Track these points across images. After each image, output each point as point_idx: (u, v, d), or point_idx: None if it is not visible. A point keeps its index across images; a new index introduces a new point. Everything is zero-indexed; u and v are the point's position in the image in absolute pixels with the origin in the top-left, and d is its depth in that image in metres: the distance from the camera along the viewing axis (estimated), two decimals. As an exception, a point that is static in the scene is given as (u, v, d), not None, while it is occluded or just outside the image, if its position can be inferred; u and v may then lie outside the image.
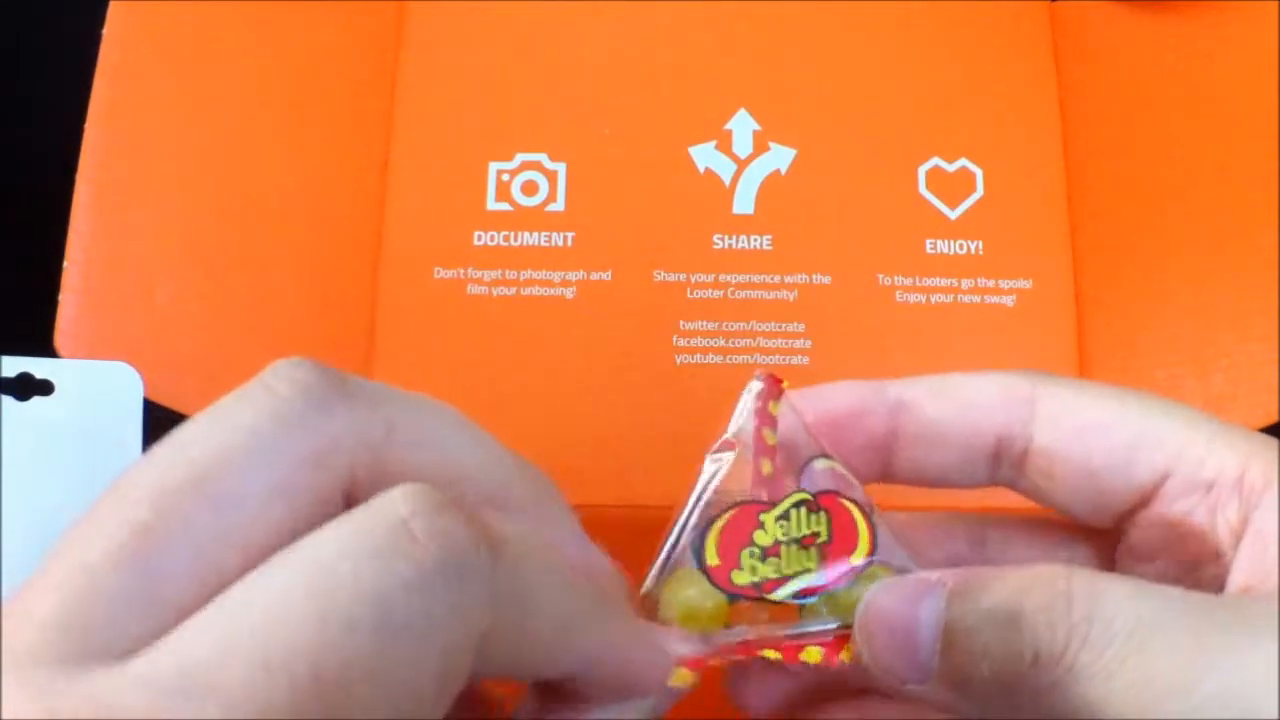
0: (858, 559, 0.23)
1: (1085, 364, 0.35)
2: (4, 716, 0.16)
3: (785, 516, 0.23)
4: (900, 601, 0.22)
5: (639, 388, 0.35)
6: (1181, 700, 0.19)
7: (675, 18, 0.38)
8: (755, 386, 0.25)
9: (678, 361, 0.35)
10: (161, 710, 0.16)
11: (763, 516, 0.23)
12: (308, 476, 0.19)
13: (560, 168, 0.37)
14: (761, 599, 0.23)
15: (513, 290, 0.36)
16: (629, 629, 0.22)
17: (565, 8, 0.39)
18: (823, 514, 0.23)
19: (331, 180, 0.37)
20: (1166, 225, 0.36)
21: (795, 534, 0.23)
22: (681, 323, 0.36)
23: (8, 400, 0.31)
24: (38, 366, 0.32)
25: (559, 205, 0.37)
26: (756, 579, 0.23)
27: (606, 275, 0.36)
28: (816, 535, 0.23)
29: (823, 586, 0.23)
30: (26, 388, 0.31)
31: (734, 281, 0.36)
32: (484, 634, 0.19)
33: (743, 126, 0.37)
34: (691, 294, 0.36)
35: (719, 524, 0.23)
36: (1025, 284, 0.36)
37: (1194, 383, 0.34)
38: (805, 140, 0.37)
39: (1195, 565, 0.23)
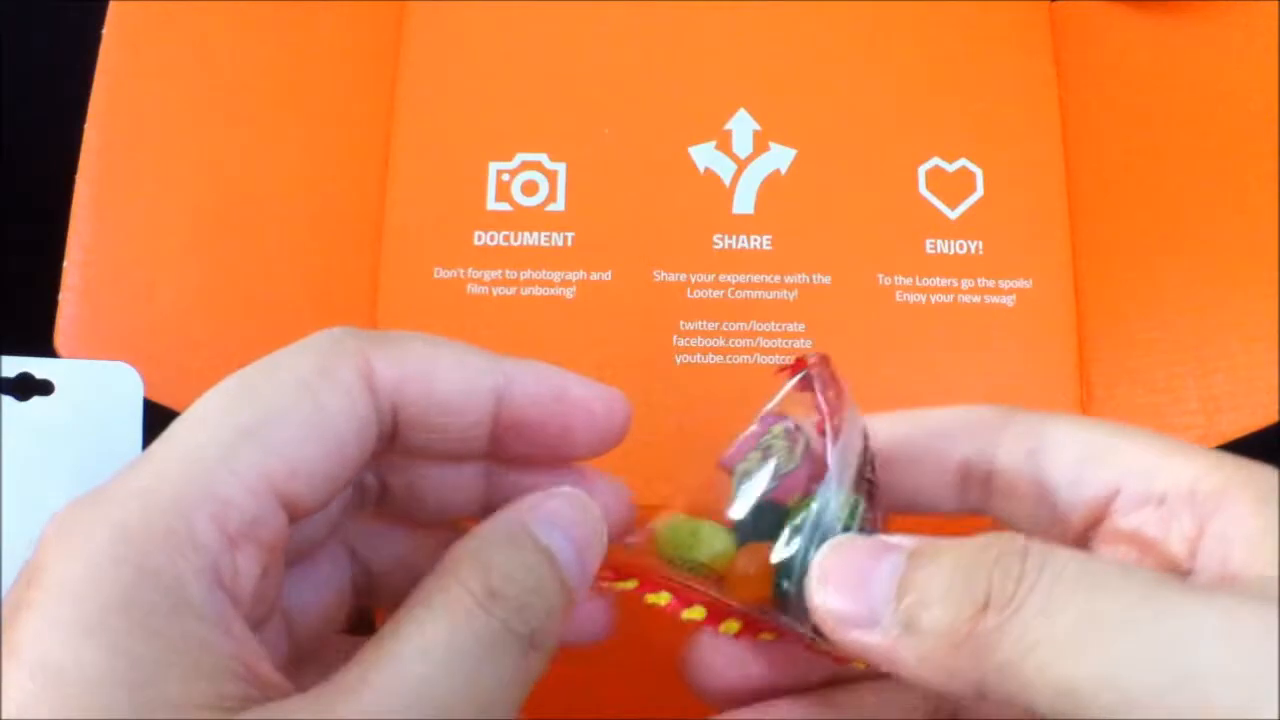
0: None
1: (1085, 364, 0.35)
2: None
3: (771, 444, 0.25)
4: (862, 552, 0.22)
5: (639, 388, 0.35)
6: (1131, 634, 0.19)
7: (675, 18, 0.38)
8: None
9: (678, 361, 0.35)
10: None
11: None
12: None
13: (560, 168, 0.37)
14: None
15: (513, 290, 0.36)
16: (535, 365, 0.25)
17: (565, 8, 0.39)
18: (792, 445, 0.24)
19: (332, 180, 0.37)
20: (1166, 225, 0.36)
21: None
22: (681, 323, 0.36)
23: (8, 400, 0.31)
24: (38, 366, 0.32)
25: (559, 205, 0.37)
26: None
27: (606, 275, 0.36)
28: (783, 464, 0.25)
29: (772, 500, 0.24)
30: (26, 388, 0.31)
31: (734, 281, 0.36)
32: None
33: (743, 126, 0.37)
34: (691, 294, 0.36)
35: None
36: (1025, 284, 0.36)
37: (1194, 383, 0.34)
38: (805, 140, 0.37)
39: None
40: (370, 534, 0.26)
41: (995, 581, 0.20)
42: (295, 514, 0.22)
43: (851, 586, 0.22)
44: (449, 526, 0.26)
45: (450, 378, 0.24)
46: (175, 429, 0.22)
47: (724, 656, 0.25)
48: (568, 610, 0.22)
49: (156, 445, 0.21)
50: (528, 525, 0.23)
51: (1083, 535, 0.24)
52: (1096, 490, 0.24)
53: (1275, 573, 0.20)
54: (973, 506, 0.26)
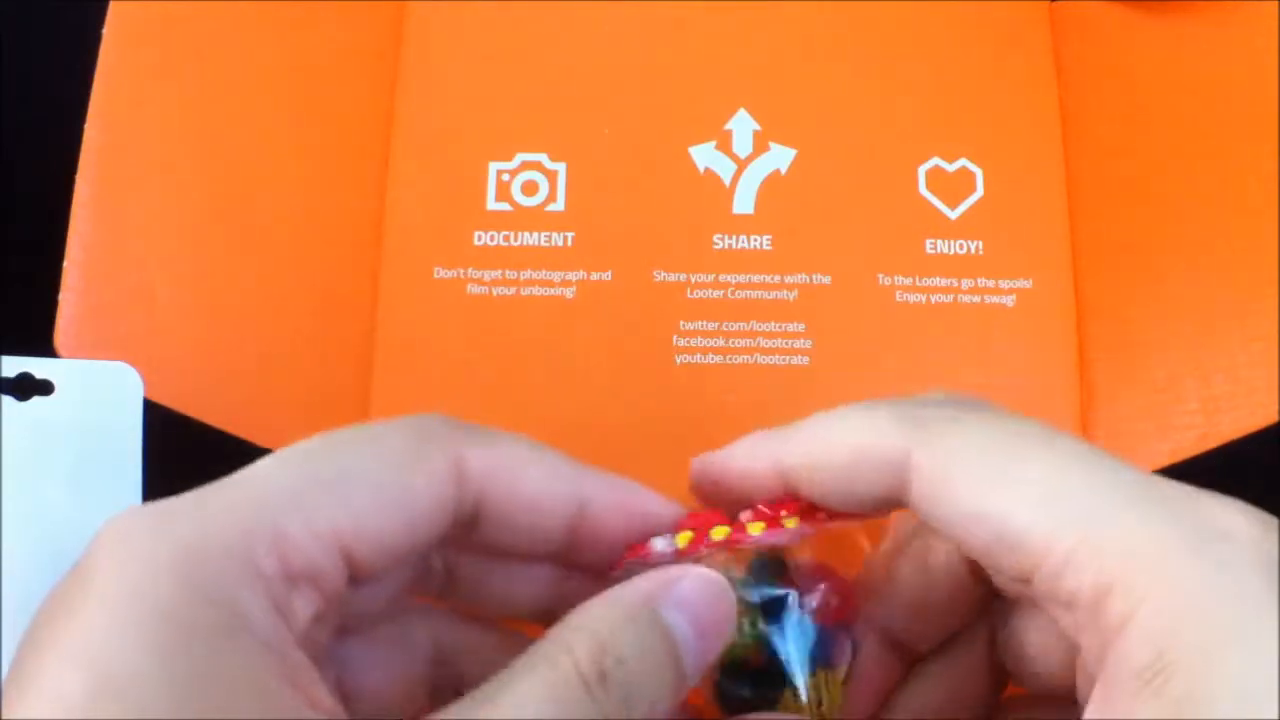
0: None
1: (1085, 364, 0.35)
2: None
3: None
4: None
5: (639, 388, 0.35)
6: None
7: (675, 18, 0.38)
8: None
9: (678, 361, 0.35)
10: None
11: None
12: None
13: (560, 168, 0.37)
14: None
15: (513, 290, 0.36)
16: (608, 476, 0.25)
17: (565, 8, 0.39)
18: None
19: (331, 180, 0.37)
20: (1166, 225, 0.36)
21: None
22: (681, 323, 0.36)
23: (8, 400, 0.31)
24: (38, 366, 0.32)
25: (559, 205, 0.37)
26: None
27: (606, 275, 0.36)
28: None
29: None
30: (26, 388, 0.31)
31: (734, 281, 0.36)
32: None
33: (743, 126, 0.37)
34: (691, 294, 0.36)
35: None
36: (1025, 284, 0.36)
37: (1194, 383, 0.34)
38: (805, 140, 0.37)
39: (1070, 674, 0.23)
40: (455, 631, 0.26)
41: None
42: (356, 575, 0.22)
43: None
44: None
45: (537, 479, 0.24)
46: (252, 466, 0.22)
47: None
48: (677, 698, 0.22)
49: (230, 477, 0.21)
50: (656, 606, 0.22)
51: (1011, 601, 0.24)
52: (1013, 573, 0.21)
53: None
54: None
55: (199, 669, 0.18)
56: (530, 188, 0.37)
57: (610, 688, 0.20)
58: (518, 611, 0.26)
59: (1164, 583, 0.19)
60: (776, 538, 0.24)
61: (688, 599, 0.22)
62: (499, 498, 0.24)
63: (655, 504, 0.25)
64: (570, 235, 0.36)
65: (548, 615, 0.23)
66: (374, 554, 0.22)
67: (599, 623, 0.21)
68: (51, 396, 0.32)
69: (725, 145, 0.37)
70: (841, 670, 0.25)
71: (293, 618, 0.21)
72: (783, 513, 0.24)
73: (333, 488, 0.21)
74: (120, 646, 0.18)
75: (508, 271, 0.36)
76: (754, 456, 0.25)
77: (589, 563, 0.25)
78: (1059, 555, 0.20)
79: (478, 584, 0.26)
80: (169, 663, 0.18)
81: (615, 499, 0.25)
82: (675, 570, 0.22)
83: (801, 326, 0.35)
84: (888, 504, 0.23)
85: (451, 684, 0.26)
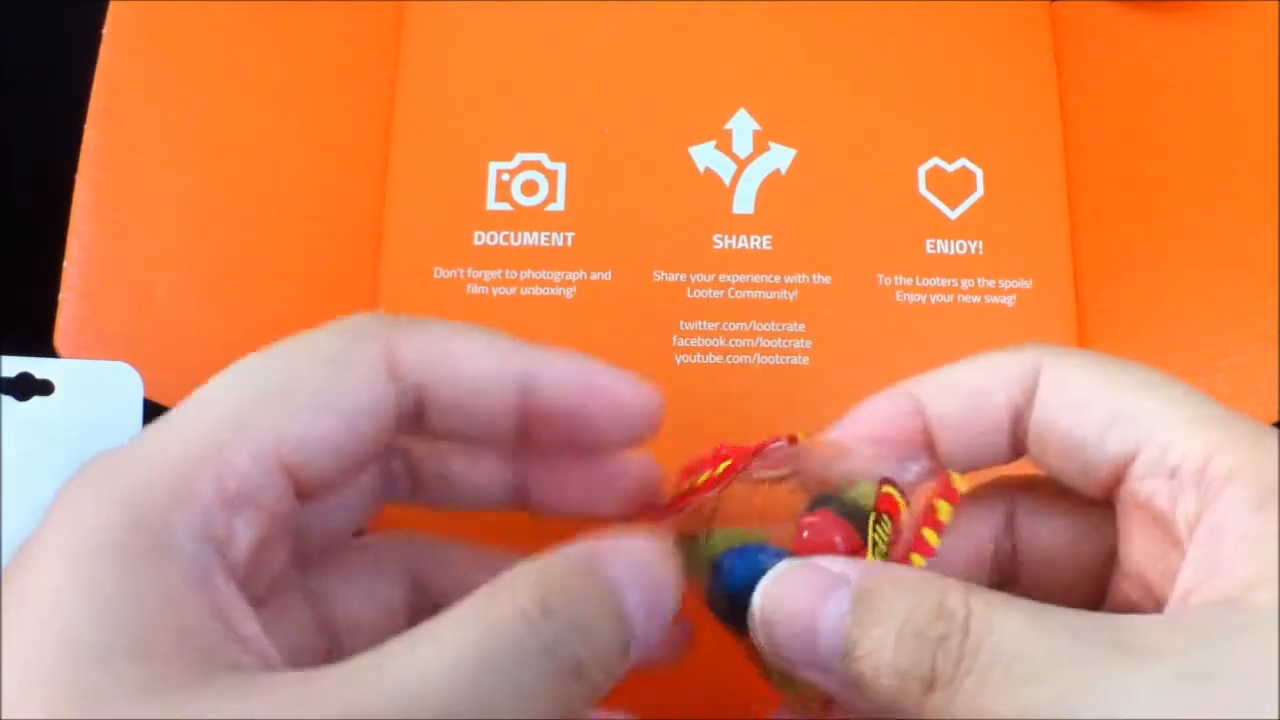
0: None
1: (1085, 364, 0.35)
2: None
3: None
4: (804, 592, 0.22)
5: (639, 388, 0.35)
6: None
7: (675, 18, 0.38)
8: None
9: (678, 361, 0.35)
10: None
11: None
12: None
13: (560, 168, 0.37)
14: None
15: (513, 290, 0.36)
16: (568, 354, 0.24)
17: (565, 8, 0.39)
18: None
19: (331, 180, 0.37)
20: (1166, 225, 0.36)
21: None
22: (681, 323, 0.36)
23: (8, 400, 0.31)
24: (38, 366, 0.32)
25: (559, 205, 0.37)
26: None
27: (606, 275, 0.36)
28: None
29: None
30: (26, 388, 0.31)
31: (734, 281, 0.36)
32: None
33: (743, 126, 0.37)
34: (691, 294, 0.36)
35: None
36: (1025, 284, 0.36)
37: (1194, 383, 0.34)
38: (805, 140, 0.37)
39: (1164, 551, 0.23)
40: (432, 554, 0.26)
41: (939, 663, 0.20)
42: (304, 488, 0.22)
43: (800, 635, 0.22)
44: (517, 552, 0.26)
45: (475, 361, 0.24)
46: (195, 394, 0.22)
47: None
48: (622, 659, 0.21)
49: (176, 408, 0.22)
50: (593, 557, 0.21)
51: (1108, 489, 0.24)
52: (1117, 452, 0.23)
53: (1250, 592, 0.20)
54: (1024, 453, 0.26)
55: (119, 590, 0.19)
56: (530, 188, 0.37)
57: (554, 620, 0.20)
58: (489, 503, 0.26)
59: (1262, 453, 0.22)
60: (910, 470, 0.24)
61: (630, 559, 0.22)
62: (439, 384, 0.23)
63: (604, 375, 0.25)
64: (570, 235, 0.36)
65: (521, 504, 0.24)
66: (317, 462, 0.22)
67: (542, 572, 0.21)
68: (51, 396, 0.32)
69: (725, 145, 0.37)
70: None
71: (233, 543, 0.21)
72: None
73: (267, 402, 0.21)
74: (52, 576, 0.19)
75: (508, 271, 0.36)
76: (892, 395, 0.25)
77: (549, 444, 0.25)
78: (1172, 429, 0.22)
79: (442, 480, 0.26)
80: (90, 585, 0.19)
81: (563, 372, 0.24)
82: (617, 533, 0.23)
83: (801, 326, 0.35)
84: (1013, 425, 0.25)
85: (430, 611, 0.25)
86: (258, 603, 0.21)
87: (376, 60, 0.38)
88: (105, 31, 0.36)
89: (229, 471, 0.21)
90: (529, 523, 0.27)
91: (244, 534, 0.21)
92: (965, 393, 0.25)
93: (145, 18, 0.36)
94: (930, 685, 0.20)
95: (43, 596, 0.19)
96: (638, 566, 0.22)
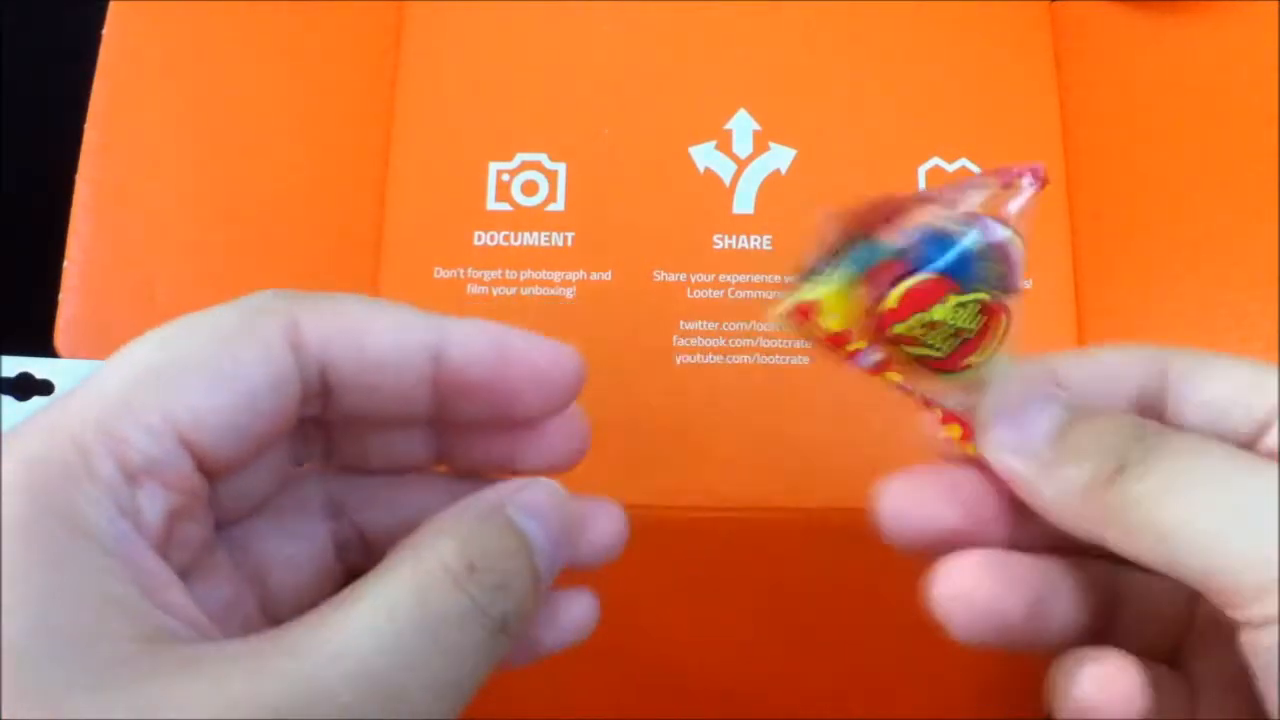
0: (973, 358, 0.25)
1: (1085, 364, 0.35)
2: None
3: (963, 305, 0.24)
4: (1035, 390, 0.24)
5: (639, 388, 0.35)
6: (1215, 497, 0.21)
7: (675, 18, 0.38)
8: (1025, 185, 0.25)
9: (678, 361, 0.35)
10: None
11: (951, 296, 0.24)
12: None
13: (560, 168, 0.37)
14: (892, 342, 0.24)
15: (513, 290, 0.36)
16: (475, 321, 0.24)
17: (565, 8, 0.39)
18: (982, 319, 0.24)
19: (331, 180, 0.37)
20: (1166, 225, 0.36)
21: (955, 323, 0.24)
22: (681, 323, 0.36)
23: (8, 400, 0.31)
24: (38, 366, 0.32)
25: (559, 205, 0.37)
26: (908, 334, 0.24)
27: (606, 275, 0.36)
28: (967, 331, 0.24)
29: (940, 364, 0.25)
30: (26, 388, 0.32)
31: (734, 281, 0.36)
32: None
33: (743, 126, 0.37)
34: (691, 294, 0.36)
35: (911, 282, 0.24)
36: (1025, 284, 0.36)
37: (1194, 383, 0.34)
38: (805, 140, 0.37)
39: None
40: (358, 493, 0.25)
41: (1133, 452, 0.22)
42: (209, 465, 0.21)
43: (1020, 418, 0.24)
44: (446, 490, 0.25)
45: (381, 336, 0.23)
46: (95, 372, 0.21)
47: (914, 502, 0.25)
48: (536, 602, 0.22)
49: (75, 387, 0.21)
50: (506, 510, 0.22)
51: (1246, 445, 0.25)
52: (1263, 413, 0.23)
53: None
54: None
55: (46, 582, 0.18)
56: (530, 188, 0.37)
57: (480, 577, 0.20)
58: (410, 466, 0.25)
59: None
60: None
61: (534, 505, 0.22)
62: (344, 360, 0.23)
63: (519, 342, 0.24)
64: (570, 235, 0.36)
65: (444, 463, 0.24)
66: (218, 438, 0.21)
67: (456, 526, 0.21)
68: (51, 396, 0.32)
69: (725, 145, 0.37)
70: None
71: (141, 519, 0.20)
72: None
73: (161, 377, 0.21)
74: None
75: (508, 271, 0.36)
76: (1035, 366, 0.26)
77: (467, 417, 0.24)
78: None
79: (360, 448, 0.25)
80: (16, 580, 0.18)
81: (475, 342, 0.24)
82: (518, 481, 0.23)
83: (801, 326, 0.35)
84: (1139, 408, 0.25)
85: (355, 541, 0.25)
86: (183, 572, 0.21)
87: (376, 60, 0.38)
88: (105, 31, 0.36)
89: (127, 447, 0.20)
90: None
91: (151, 508, 0.20)
92: (1098, 373, 0.26)
93: (145, 18, 0.36)
94: (1119, 469, 0.22)
95: None
96: (544, 513, 0.22)
